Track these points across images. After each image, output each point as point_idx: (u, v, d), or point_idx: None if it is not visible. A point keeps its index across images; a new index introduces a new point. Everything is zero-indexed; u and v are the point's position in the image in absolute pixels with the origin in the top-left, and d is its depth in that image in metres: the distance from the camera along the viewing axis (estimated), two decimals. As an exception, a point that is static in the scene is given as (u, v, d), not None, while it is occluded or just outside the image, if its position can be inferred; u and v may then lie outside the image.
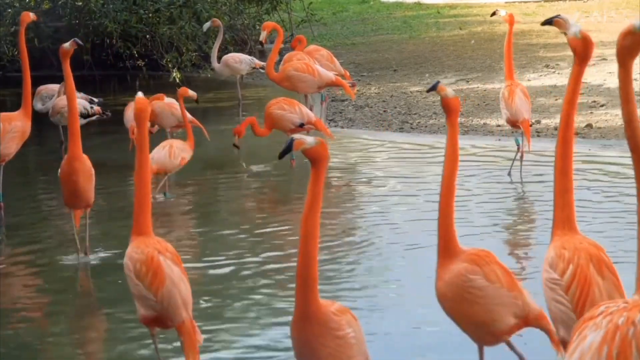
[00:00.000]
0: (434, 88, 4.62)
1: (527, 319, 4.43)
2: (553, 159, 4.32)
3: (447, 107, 4.55)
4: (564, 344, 4.15)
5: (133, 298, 4.79)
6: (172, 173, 9.03)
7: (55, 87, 11.66)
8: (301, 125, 9.69)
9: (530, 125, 11.25)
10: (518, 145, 9.16)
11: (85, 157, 7.10)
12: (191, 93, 9.09)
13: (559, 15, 4.49)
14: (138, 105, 5.05)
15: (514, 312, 4.39)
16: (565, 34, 4.35)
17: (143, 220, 4.83)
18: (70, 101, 7.12)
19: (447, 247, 4.47)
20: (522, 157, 9.10)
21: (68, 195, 7.09)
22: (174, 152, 8.83)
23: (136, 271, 4.69)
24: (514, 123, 9.05)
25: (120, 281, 6.76)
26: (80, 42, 7.10)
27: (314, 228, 3.99)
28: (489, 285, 4.36)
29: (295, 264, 4.14)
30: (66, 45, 7.08)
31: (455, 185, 4.51)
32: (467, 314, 4.38)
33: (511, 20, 9.25)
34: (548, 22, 4.60)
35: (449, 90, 4.57)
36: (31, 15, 8.75)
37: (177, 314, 4.66)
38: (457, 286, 4.38)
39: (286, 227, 8.04)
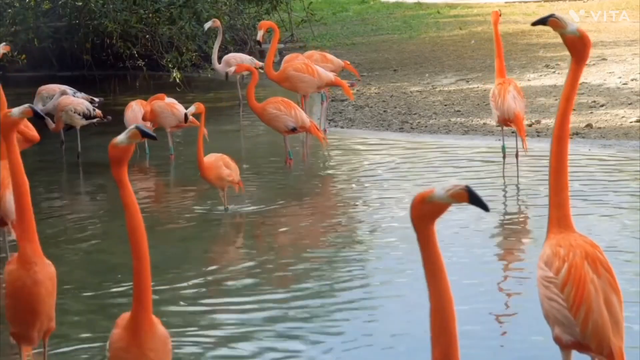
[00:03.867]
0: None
1: None
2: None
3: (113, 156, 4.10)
4: (557, 342, 4.11)
5: (45, 311, 4.88)
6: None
7: (55, 87, 11.68)
8: (294, 129, 9.71)
9: (530, 125, 11.33)
10: (504, 152, 8.99)
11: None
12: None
13: (554, 14, 4.20)
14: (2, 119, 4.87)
15: None
16: (562, 34, 4.22)
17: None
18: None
19: None
20: (517, 155, 9.00)
21: None
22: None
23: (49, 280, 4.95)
24: (506, 122, 8.73)
25: (119, 276, 6.80)
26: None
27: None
28: None
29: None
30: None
31: None
32: None
33: (496, 19, 9.19)
34: (541, 22, 4.21)
35: (123, 136, 4.03)
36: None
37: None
38: None
39: (284, 227, 8.07)
